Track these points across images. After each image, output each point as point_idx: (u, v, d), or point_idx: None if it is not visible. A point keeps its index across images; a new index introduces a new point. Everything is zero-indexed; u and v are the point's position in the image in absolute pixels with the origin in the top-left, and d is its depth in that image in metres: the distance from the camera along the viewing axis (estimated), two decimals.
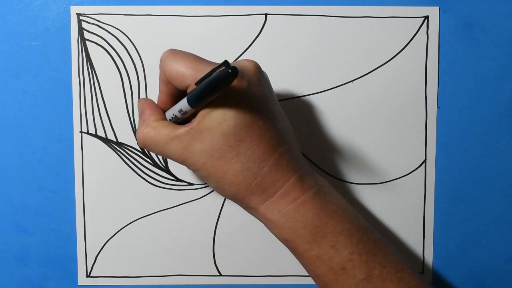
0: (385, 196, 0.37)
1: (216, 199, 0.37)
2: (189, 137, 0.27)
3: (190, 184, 0.37)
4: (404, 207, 0.37)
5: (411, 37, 0.36)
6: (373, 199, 0.37)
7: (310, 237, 0.28)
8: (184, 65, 0.27)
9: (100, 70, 0.36)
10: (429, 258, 0.37)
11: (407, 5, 0.36)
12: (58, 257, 0.37)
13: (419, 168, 0.37)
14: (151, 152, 0.36)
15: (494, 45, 0.36)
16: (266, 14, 0.36)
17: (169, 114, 0.29)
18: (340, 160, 0.36)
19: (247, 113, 0.27)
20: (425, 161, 0.36)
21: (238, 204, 0.29)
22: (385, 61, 0.36)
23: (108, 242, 0.37)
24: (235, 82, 0.26)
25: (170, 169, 0.36)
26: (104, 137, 0.36)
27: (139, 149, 0.36)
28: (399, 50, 0.36)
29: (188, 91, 0.27)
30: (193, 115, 0.28)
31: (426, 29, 0.36)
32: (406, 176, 0.37)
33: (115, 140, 0.36)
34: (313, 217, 0.28)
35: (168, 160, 0.36)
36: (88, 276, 0.37)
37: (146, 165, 0.36)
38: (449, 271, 0.37)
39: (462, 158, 0.37)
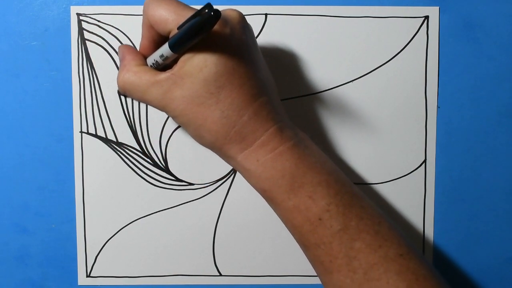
0: (385, 196, 0.37)
1: (216, 199, 0.37)
2: (170, 83, 0.27)
3: (190, 184, 0.37)
4: (404, 207, 0.37)
5: (411, 37, 0.36)
6: (373, 199, 0.37)
7: (287, 187, 0.28)
8: (167, 9, 0.27)
9: (100, 70, 0.36)
10: (429, 258, 0.37)
11: (407, 5, 0.36)
12: (58, 257, 0.37)
13: (419, 168, 0.37)
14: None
15: (494, 45, 0.36)
16: (266, 14, 0.36)
17: (150, 60, 0.29)
18: (340, 160, 0.36)
19: (229, 60, 0.26)
20: (425, 161, 0.36)
21: (216, 153, 0.29)
22: (385, 61, 0.36)
23: (108, 242, 0.37)
24: (218, 29, 0.26)
25: (170, 169, 0.36)
26: (104, 137, 0.36)
27: (139, 149, 0.36)
28: (399, 50, 0.36)
29: (170, 36, 0.27)
30: (174, 62, 0.27)
31: (426, 29, 0.36)
32: (406, 176, 0.37)
33: (115, 140, 0.36)
34: (291, 167, 0.28)
35: (168, 160, 0.36)
36: (88, 276, 0.37)
37: (146, 165, 0.36)
38: (449, 271, 0.37)
39: (462, 158, 0.37)
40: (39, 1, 0.35)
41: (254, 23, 0.36)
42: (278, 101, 0.30)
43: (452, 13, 0.36)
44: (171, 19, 0.27)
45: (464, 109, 0.36)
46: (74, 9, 0.35)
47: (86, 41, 0.35)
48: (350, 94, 0.36)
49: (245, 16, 0.35)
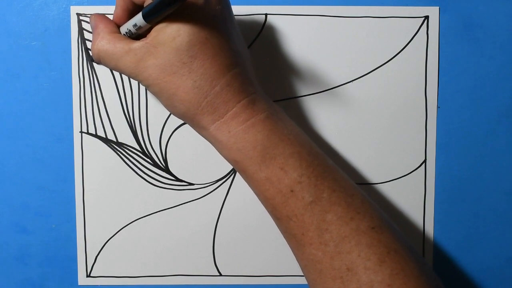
0: (385, 196, 0.37)
1: (216, 199, 0.37)
2: (144, 51, 0.27)
3: (190, 184, 0.37)
4: (404, 207, 0.37)
5: (411, 37, 0.36)
6: (373, 199, 0.37)
7: (259, 159, 0.28)
8: None
9: (100, 70, 0.36)
10: (429, 258, 0.37)
11: (407, 5, 0.36)
12: (58, 257, 0.37)
13: (419, 168, 0.37)
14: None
15: (494, 45, 0.36)
16: (266, 14, 0.36)
17: (124, 29, 0.29)
18: (340, 160, 0.36)
19: (202, 30, 0.26)
20: (425, 161, 0.36)
21: (189, 123, 0.29)
22: (385, 61, 0.36)
23: (108, 242, 0.37)
24: None
25: (170, 169, 0.36)
26: (104, 137, 0.36)
27: (139, 149, 0.36)
28: (399, 50, 0.36)
29: (145, 5, 0.27)
30: (147, 32, 0.27)
31: (426, 29, 0.36)
32: (406, 176, 0.37)
33: (115, 140, 0.36)
34: (263, 138, 0.28)
35: (168, 160, 0.36)
36: (88, 276, 0.37)
37: (146, 165, 0.36)
38: (449, 271, 0.37)
39: (462, 158, 0.37)
40: (39, 1, 0.35)
41: (254, 23, 0.36)
42: (251, 72, 0.30)
43: (452, 13, 0.36)
44: None
45: (464, 109, 0.36)
46: (74, 9, 0.35)
47: (86, 41, 0.35)
48: (350, 94, 0.36)
49: (245, 16, 0.35)
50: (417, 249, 0.28)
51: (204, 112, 0.28)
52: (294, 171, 0.27)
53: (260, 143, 0.27)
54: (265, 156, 0.28)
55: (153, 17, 0.26)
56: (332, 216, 0.27)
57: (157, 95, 0.28)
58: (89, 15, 0.35)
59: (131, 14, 0.29)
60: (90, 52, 0.35)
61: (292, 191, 0.27)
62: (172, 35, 0.26)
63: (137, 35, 0.28)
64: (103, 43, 0.28)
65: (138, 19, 0.27)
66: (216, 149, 0.29)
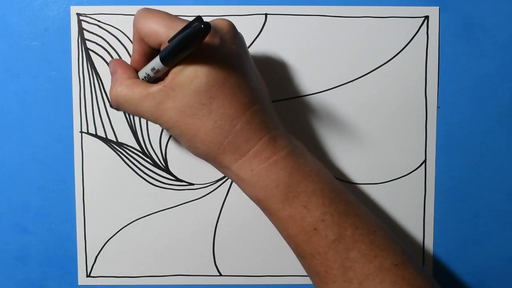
0: (385, 196, 0.37)
1: (216, 199, 0.37)
2: (162, 95, 0.27)
3: (190, 184, 0.37)
4: (404, 207, 0.37)
5: (411, 37, 0.36)
6: (373, 199, 0.37)
7: (282, 197, 0.28)
8: (158, 22, 0.27)
9: (100, 70, 0.36)
10: (429, 258, 0.37)
11: (407, 5, 0.36)
12: (58, 257, 0.37)
13: (419, 168, 0.37)
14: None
15: (494, 45, 0.36)
16: (266, 14, 0.36)
17: (142, 73, 0.29)
18: (340, 160, 0.36)
19: (220, 70, 0.26)
20: (425, 161, 0.36)
21: (211, 163, 0.29)
22: (385, 61, 0.36)
23: (108, 242, 0.37)
24: (208, 39, 0.26)
25: (170, 169, 0.36)
26: (104, 137, 0.36)
27: (139, 149, 0.36)
28: (399, 50, 0.36)
29: (161, 49, 0.27)
30: (166, 75, 0.27)
31: (426, 29, 0.36)
32: (406, 176, 0.37)
33: (115, 140, 0.36)
34: (286, 176, 0.28)
35: (168, 160, 0.36)
36: (88, 276, 0.37)
37: (146, 165, 0.36)
38: (449, 271, 0.37)
39: (462, 158, 0.37)
40: (39, 1, 0.35)
41: (254, 23, 0.36)
42: (271, 109, 0.30)
43: (452, 13, 0.36)
44: (161, 31, 0.27)
45: (464, 109, 0.36)
46: (74, 9, 0.35)
47: (86, 41, 0.35)
48: (350, 94, 0.36)
49: (245, 16, 0.35)
50: (438, 284, 0.29)
51: (226, 152, 0.28)
52: (317, 209, 0.27)
53: (283, 181, 0.27)
54: (288, 194, 0.28)
55: (171, 60, 0.26)
56: (356, 254, 0.27)
57: (178, 137, 0.28)
58: (89, 15, 0.35)
59: (148, 58, 0.29)
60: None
61: (315, 229, 0.27)
62: (190, 77, 0.26)
63: (156, 78, 0.28)
64: (121, 88, 0.28)
65: (156, 62, 0.27)
66: (239, 187, 0.29)
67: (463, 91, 0.36)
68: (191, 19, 0.35)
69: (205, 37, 0.24)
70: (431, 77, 0.36)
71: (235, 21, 0.35)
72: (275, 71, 0.36)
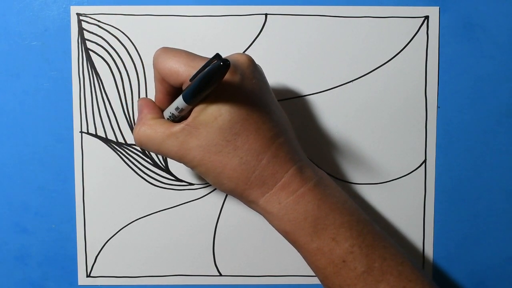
0: (385, 196, 0.37)
1: (216, 199, 0.37)
2: (185, 134, 0.27)
3: (190, 184, 0.37)
4: (404, 207, 0.37)
5: (411, 37, 0.36)
6: (373, 199, 0.37)
7: (310, 229, 0.28)
8: (178, 62, 0.27)
9: (100, 70, 0.36)
10: (429, 258, 0.37)
11: (407, 5, 0.36)
12: (58, 257, 0.37)
13: (419, 168, 0.37)
14: (150, 152, 0.36)
15: (494, 45, 0.36)
16: (266, 14, 0.36)
17: (167, 113, 0.29)
18: (340, 160, 0.36)
19: (242, 106, 0.27)
20: (425, 161, 0.36)
21: (237, 198, 0.29)
22: (385, 61, 0.36)
23: (108, 242, 0.37)
24: (228, 77, 0.26)
25: (170, 169, 0.36)
26: (104, 137, 0.36)
27: (139, 149, 0.36)
28: (399, 50, 0.36)
29: (183, 87, 0.27)
30: (191, 113, 0.28)
31: (426, 29, 0.36)
32: (406, 176, 0.37)
33: (115, 140, 0.36)
34: (314, 209, 0.28)
35: (168, 160, 0.36)
36: (88, 276, 0.37)
37: (146, 165, 0.36)
38: (449, 271, 0.37)
39: (462, 158, 0.37)
40: (39, 1, 0.35)
41: (254, 23, 0.36)
42: (295, 140, 0.30)
43: (452, 13, 0.36)
44: (182, 71, 0.27)
45: (464, 109, 0.36)
46: (74, 9, 0.35)
47: (86, 41, 0.35)
48: (350, 94, 0.36)
49: (245, 16, 0.35)
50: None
51: (253, 186, 0.28)
52: (345, 241, 0.28)
53: (311, 214, 0.28)
54: (316, 226, 0.28)
55: (194, 99, 0.26)
56: (385, 286, 0.27)
57: (204, 175, 0.28)
58: (89, 15, 0.35)
59: (171, 96, 0.29)
60: None
61: (344, 261, 0.27)
62: (214, 115, 0.26)
63: (181, 117, 0.28)
64: (144, 128, 0.28)
65: (180, 102, 0.27)
66: (267, 220, 0.29)
67: (463, 91, 0.36)
68: (192, 19, 0.35)
69: (225, 74, 0.24)
70: (431, 77, 0.36)
71: (235, 21, 0.35)
72: (275, 71, 0.36)
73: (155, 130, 0.28)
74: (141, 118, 0.29)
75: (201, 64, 0.26)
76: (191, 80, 0.26)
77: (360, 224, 0.28)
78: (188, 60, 0.27)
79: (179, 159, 0.28)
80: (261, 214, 0.29)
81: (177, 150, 0.27)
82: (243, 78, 0.27)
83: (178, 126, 0.27)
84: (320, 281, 0.30)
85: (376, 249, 0.28)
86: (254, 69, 0.28)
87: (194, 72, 0.26)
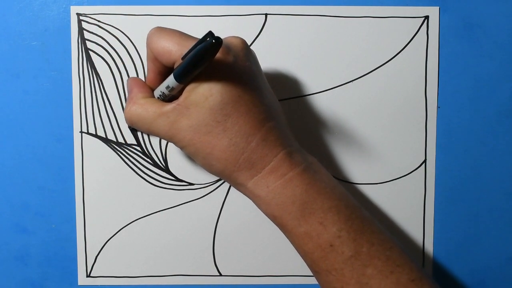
0: (385, 196, 0.37)
1: (216, 199, 0.37)
2: (176, 113, 0.27)
3: (190, 184, 0.37)
4: (404, 207, 0.37)
5: (411, 37, 0.36)
6: (373, 199, 0.37)
7: (298, 213, 0.28)
8: (170, 41, 0.27)
9: (100, 70, 0.36)
10: (429, 258, 0.37)
11: (407, 5, 0.36)
12: (58, 257, 0.37)
13: (419, 168, 0.37)
14: (149, 152, 0.36)
15: (494, 45, 0.36)
16: (266, 14, 0.36)
17: (157, 92, 0.29)
18: (340, 160, 0.36)
19: (234, 87, 0.27)
20: (425, 161, 0.36)
21: (226, 180, 0.29)
22: (385, 61, 0.36)
23: (108, 242, 0.37)
24: (221, 57, 0.26)
25: (170, 169, 0.36)
26: (104, 137, 0.36)
27: (139, 149, 0.36)
28: (399, 50, 0.36)
29: (175, 67, 0.27)
30: (181, 92, 0.27)
31: (426, 29, 0.36)
32: (406, 176, 0.37)
33: (115, 140, 0.36)
34: (302, 193, 0.28)
35: (168, 160, 0.36)
36: (88, 276, 0.37)
37: (146, 165, 0.36)
38: (449, 271, 0.37)
39: (462, 158, 0.37)
40: (39, 1, 0.35)
41: (254, 23, 0.36)
42: (286, 125, 0.30)
43: (452, 13, 0.36)
44: (175, 50, 0.27)
45: (464, 109, 0.36)
46: (74, 9, 0.35)
47: (86, 41, 0.35)
48: (350, 94, 0.36)
49: (245, 16, 0.35)
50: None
51: (242, 169, 0.28)
52: (333, 225, 0.27)
53: (299, 198, 0.28)
54: (304, 211, 0.28)
55: (185, 77, 0.26)
56: (372, 270, 0.27)
57: (193, 155, 0.28)
58: (89, 15, 0.35)
59: (163, 76, 0.29)
60: None
61: (331, 245, 0.27)
62: (205, 95, 0.26)
63: (171, 96, 0.28)
64: (135, 107, 0.28)
65: (171, 80, 0.27)
66: (255, 204, 0.29)
67: (463, 91, 0.36)
68: (192, 19, 0.35)
69: (217, 51, 0.24)
70: (431, 77, 0.36)
71: (235, 21, 0.35)
72: (275, 71, 0.36)
73: (146, 109, 0.28)
74: (132, 97, 0.29)
75: (194, 43, 0.26)
76: (182, 58, 0.26)
77: (348, 209, 0.28)
78: (181, 40, 0.27)
79: (169, 139, 0.28)
80: (249, 198, 0.29)
81: (167, 129, 0.27)
82: (236, 60, 0.27)
83: (169, 106, 0.27)
84: (308, 265, 0.29)
85: (364, 234, 0.28)
86: (247, 52, 0.28)
87: (187, 51, 0.26)
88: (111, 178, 0.36)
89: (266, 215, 0.29)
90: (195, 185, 0.37)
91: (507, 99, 0.36)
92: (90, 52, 0.36)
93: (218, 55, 0.26)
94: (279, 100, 0.36)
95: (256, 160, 0.28)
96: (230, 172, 0.28)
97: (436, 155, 0.36)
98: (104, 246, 0.37)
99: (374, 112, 0.36)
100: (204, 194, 0.37)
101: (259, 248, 0.37)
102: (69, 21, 0.35)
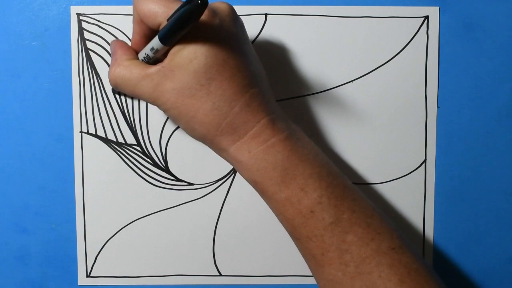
0: (385, 196, 0.37)
1: (216, 199, 0.37)
2: (160, 76, 0.27)
3: (190, 184, 0.37)
4: (404, 207, 0.37)
5: (411, 37, 0.36)
6: (373, 199, 0.37)
7: (279, 179, 0.28)
8: (156, 3, 0.27)
9: (100, 70, 0.36)
10: (429, 258, 0.37)
11: (407, 5, 0.36)
12: (58, 257, 0.37)
13: (419, 168, 0.37)
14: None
15: (494, 45, 0.36)
16: (266, 14, 0.36)
17: (141, 54, 0.29)
18: (340, 160, 0.36)
19: (219, 51, 0.26)
20: (425, 161, 0.36)
21: (208, 145, 0.29)
22: (385, 61, 0.36)
23: (108, 242, 0.37)
24: (207, 20, 0.26)
25: (170, 169, 0.36)
26: (104, 137, 0.36)
27: (139, 149, 0.36)
28: (399, 50, 0.36)
29: (160, 28, 0.27)
30: (166, 55, 0.27)
31: (426, 29, 0.36)
32: (406, 176, 0.37)
33: (115, 140, 0.36)
34: (283, 159, 0.28)
35: (168, 159, 0.36)
36: (88, 276, 0.37)
37: (146, 165, 0.36)
38: (449, 271, 0.37)
39: (462, 158, 0.37)
40: (39, 1, 0.35)
41: (254, 23, 0.36)
42: (270, 93, 0.30)
43: (452, 13, 0.36)
44: (160, 11, 0.27)
45: (464, 109, 0.36)
46: (74, 9, 0.35)
47: (86, 41, 0.35)
48: (350, 94, 0.36)
49: (245, 16, 0.35)
50: (433, 269, 0.29)
51: (224, 133, 0.28)
52: (314, 191, 0.27)
53: (280, 163, 0.28)
54: (285, 176, 0.28)
55: (169, 39, 0.26)
56: (353, 237, 0.27)
57: (176, 118, 0.28)
58: (89, 15, 0.35)
59: (148, 39, 0.29)
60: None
61: (312, 211, 0.27)
62: (189, 57, 0.26)
63: (156, 59, 0.28)
64: (120, 69, 0.28)
65: (155, 42, 0.27)
66: (236, 169, 0.29)
67: (463, 91, 0.36)
68: None
69: (202, 13, 0.24)
70: (431, 77, 0.36)
71: None
72: (275, 71, 0.36)
73: (130, 71, 0.28)
74: (116, 59, 0.29)
75: (179, 5, 0.26)
76: (168, 20, 0.26)
77: (330, 176, 0.28)
78: (167, 2, 0.27)
79: (153, 102, 0.28)
80: (230, 163, 0.29)
81: (151, 92, 0.27)
82: (222, 24, 0.27)
83: (154, 68, 0.27)
84: (289, 233, 0.29)
85: (346, 201, 0.28)
86: (234, 18, 0.28)
87: (172, 13, 0.26)
88: (111, 178, 0.36)
89: (248, 180, 0.29)
90: (195, 185, 0.37)
91: (507, 99, 0.36)
92: (90, 52, 0.36)
93: (204, 18, 0.26)
94: (279, 100, 0.36)
95: (238, 125, 0.28)
96: (212, 136, 0.28)
97: (436, 155, 0.36)
98: (104, 246, 0.37)
99: (374, 112, 0.36)
100: (204, 194, 0.37)
101: (259, 248, 0.37)
102: (69, 21, 0.35)
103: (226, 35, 0.27)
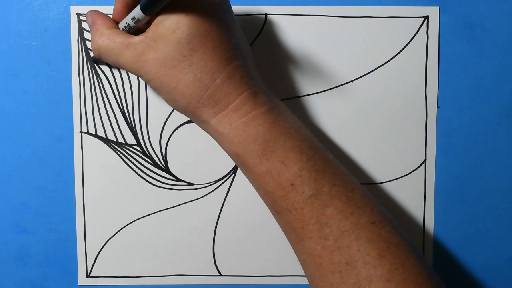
0: (385, 196, 0.37)
1: (216, 199, 0.37)
2: (144, 46, 0.27)
3: (190, 184, 0.37)
4: (404, 207, 0.37)
5: (411, 37, 0.36)
6: None
7: (260, 152, 0.28)
8: None
9: (100, 70, 0.36)
10: (429, 258, 0.37)
11: (407, 5, 0.36)
12: (58, 257, 0.37)
13: (419, 168, 0.37)
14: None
15: (494, 45, 0.36)
16: (266, 14, 0.36)
17: (123, 23, 0.29)
18: (340, 160, 0.36)
19: (202, 22, 0.26)
20: (425, 161, 0.36)
21: (190, 117, 0.29)
22: (385, 61, 0.36)
23: (108, 242, 0.37)
24: None
25: (170, 169, 0.36)
26: (104, 137, 0.36)
27: (139, 149, 0.36)
28: (399, 50, 0.36)
29: None
30: (146, 26, 0.27)
31: (426, 29, 0.36)
32: (406, 176, 0.37)
33: (115, 140, 0.36)
34: (264, 131, 0.28)
35: (168, 159, 0.36)
36: (88, 276, 0.37)
37: (146, 165, 0.36)
38: (449, 270, 0.37)
39: (462, 158, 0.37)
40: (39, 1, 0.35)
41: (254, 23, 0.36)
42: (253, 66, 0.30)
43: (452, 13, 0.36)
44: None
45: (464, 109, 0.36)
46: (74, 9, 0.35)
47: (86, 41, 0.35)
48: (350, 94, 0.36)
49: (245, 16, 0.35)
50: (417, 246, 0.28)
51: (206, 105, 0.28)
52: (294, 164, 0.27)
53: (261, 136, 0.27)
54: (265, 149, 0.27)
55: (151, 8, 0.26)
56: (332, 210, 0.27)
57: (158, 89, 0.28)
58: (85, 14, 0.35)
59: (130, 9, 0.29)
60: (90, 52, 0.35)
61: (292, 184, 0.27)
62: (172, 28, 0.26)
63: (136, 29, 0.28)
64: (103, 38, 0.28)
65: (137, 12, 0.27)
66: (218, 143, 0.29)
67: (463, 91, 0.36)
68: None
69: None
70: (431, 77, 0.36)
71: None
72: (274, 71, 0.36)
73: (113, 39, 0.28)
74: (97, 28, 0.29)
75: None
76: None
77: (312, 150, 0.28)
78: None
79: (135, 71, 0.28)
80: (212, 136, 0.29)
81: (134, 61, 0.27)
82: None
83: (137, 38, 0.27)
84: (268, 206, 0.29)
85: (326, 175, 0.28)
86: None
87: None
88: (111, 178, 0.36)
89: (228, 153, 0.29)
90: (195, 185, 0.37)
91: (507, 99, 0.36)
92: (90, 52, 0.36)
93: None
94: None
95: (220, 98, 0.27)
96: (194, 108, 0.28)
97: (436, 155, 0.36)
98: (104, 246, 0.37)
99: (374, 112, 0.36)
100: (204, 194, 0.37)
101: (259, 248, 0.37)
102: (69, 21, 0.35)
103: (209, 6, 0.27)
